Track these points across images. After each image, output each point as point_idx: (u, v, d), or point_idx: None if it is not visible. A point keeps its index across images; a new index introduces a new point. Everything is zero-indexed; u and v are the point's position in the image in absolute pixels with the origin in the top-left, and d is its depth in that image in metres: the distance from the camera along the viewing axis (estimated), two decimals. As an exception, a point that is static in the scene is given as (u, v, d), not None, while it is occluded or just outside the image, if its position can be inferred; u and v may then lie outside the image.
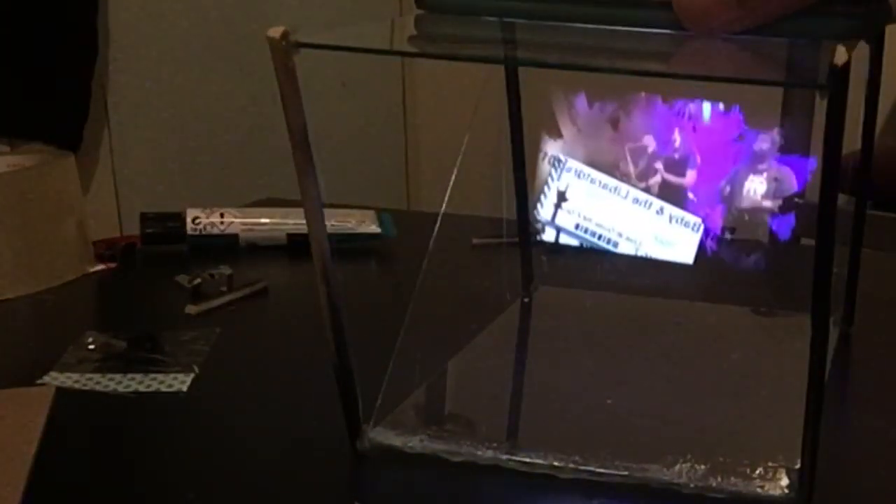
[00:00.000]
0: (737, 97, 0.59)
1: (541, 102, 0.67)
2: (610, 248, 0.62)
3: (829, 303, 0.44)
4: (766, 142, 0.58)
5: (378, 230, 0.88)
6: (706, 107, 0.59)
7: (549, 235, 0.63)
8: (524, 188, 0.70)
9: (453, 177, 0.62)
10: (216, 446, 0.55)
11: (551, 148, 0.62)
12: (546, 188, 0.63)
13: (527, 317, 0.72)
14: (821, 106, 0.40)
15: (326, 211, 0.50)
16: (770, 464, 0.50)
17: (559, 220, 0.62)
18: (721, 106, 0.59)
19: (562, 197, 0.62)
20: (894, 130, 1.61)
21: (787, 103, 0.62)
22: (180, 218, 0.87)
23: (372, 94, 1.84)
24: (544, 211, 0.63)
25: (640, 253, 0.61)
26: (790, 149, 0.59)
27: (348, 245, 0.85)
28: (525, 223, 0.71)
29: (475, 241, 0.86)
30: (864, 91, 0.59)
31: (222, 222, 0.87)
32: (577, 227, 0.62)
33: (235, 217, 0.88)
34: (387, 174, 1.91)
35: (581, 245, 0.62)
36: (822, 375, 0.45)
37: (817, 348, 0.45)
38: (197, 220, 0.87)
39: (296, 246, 0.87)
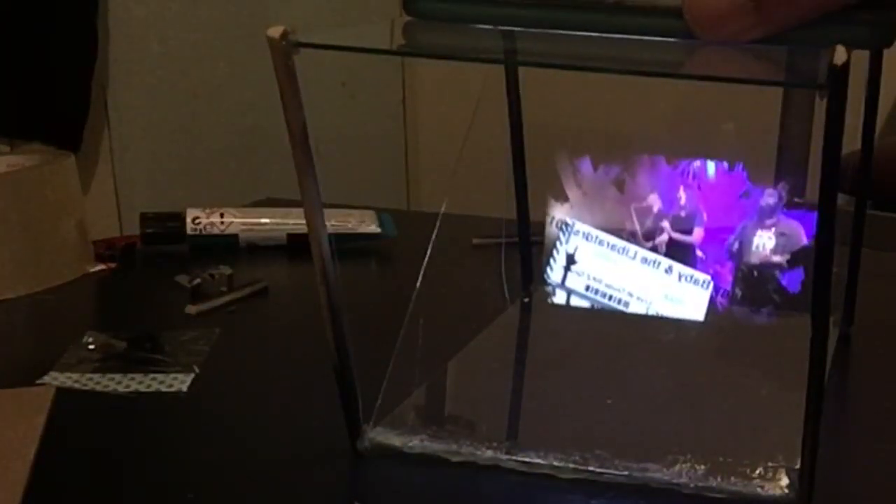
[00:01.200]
0: (736, 104, 0.59)
1: (540, 104, 0.67)
2: (621, 307, 0.62)
3: (829, 303, 0.44)
4: (771, 197, 0.59)
5: (378, 230, 0.88)
6: (710, 165, 0.60)
7: (559, 298, 0.64)
8: (524, 188, 0.70)
9: (453, 177, 0.62)
10: (216, 446, 0.55)
11: (558, 212, 0.63)
12: (555, 251, 0.63)
13: (527, 317, 0.72)
14: (820, 106, 0.40)
15: (326, 211, 0.50)
16: (770, 464, 0.50)
17: (569, 283, 0.63)
18: (725, 164, 0.59)
19: (571, 260, 0.63)
20: (894, 130, 1.61)
21: (786, 104, 0.63)
22: (180, 218, 0.87)
23: (372, 94, 1.84)
24: (554, 274, 0.63)
25: (651, 312, 0.62)
26: (786, 185, 0.59)
27: (348, 245, 0.85)
28: (525, 223, 0.71)
29: (475, 241, 0.86)
30: (864, 91, 0.59)
31: (222, 222, 0.87)
32: (587, 288, 0.63)
33: (235, 217, 0.88)
34: (387, 174, 1.91)
35: (592, 307, 0.63)
36: (822, 375, 0.45)
37: (817, 348, 0.45)
38: (197, 220, 0.87)
39: (296, 246, 0.87)
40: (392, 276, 0.86)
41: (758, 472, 0.49)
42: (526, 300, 0.72)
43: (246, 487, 0.51)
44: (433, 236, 0.62)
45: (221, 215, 0.88)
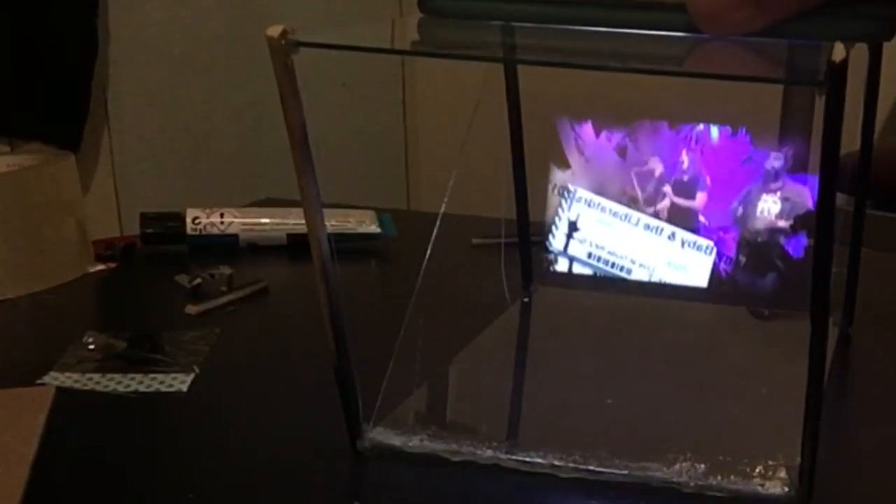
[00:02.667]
0: (736, 99, 0.59)
1: (542, 107, 0.67)
2: (623, 275, 0.62)
3: (829, 303, 0.44)
4: (775, 162, 0.59)
5: (378, 230, 0.88)
6: (713, 130, 0.59)
7: (561, 266, 0.63)
8: (524, 188, 0.70)
9: (453, 177, 0.62)
10: (216, 446, 0.55)
11: (560, 178, 0.63)
12: (557, 219, 0.63)
13: (527, 317, 0.72)
14: (820, 104, 0.40)
15: (326, 211, 0.50)
16: (770, 462, 0.50)
17: (571, 250, 0.63)
18: (728, 128, 0.59)
19: (573, 227, 0.63)
20: (894, 130, 1.61)
21: (786, 102, 0.62)
22: (180, 218, 0.87)
23: (372, 94, 1.84)
24: (556, 241, 0.63)
25: (654, 279, 0.61)
26: (790, 150, 0.59)
27: (348, 245, 0.86)
28: (525, 223, 0.71)
29: (475, 241, 0.86)
30: (863, 90, 0.59)
31: (222, 222, 0.87)
32: (589, 255, 0.62)
33: (235, 217, 0.88)
34: (387, 174, 1.90)
35: (595, 274, 0.63)
36: (821, 375, 0.45)
37: (817, 348, 0.45)
38: (197, 220, 0.87)
39: (296, 246, 0.87)
40: (392, 276, 0.86)
41: (758, 470, 0.49)
42: (526, 300, 0.72)
43: (246, 487, 0.51)
44: (433, 236, 0.62)
45: (221, 215, 0.88)
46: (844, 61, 0.39)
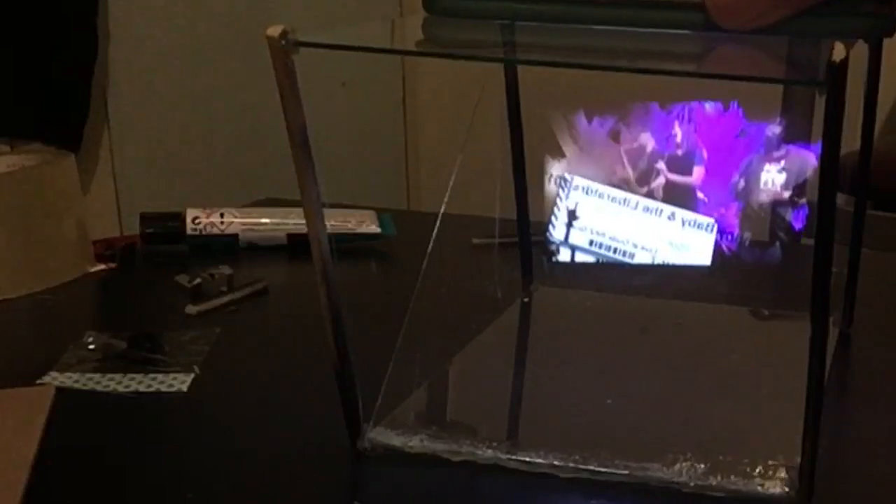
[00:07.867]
0: (736, 96, 0.59)
1: (540, 106, 0.67)
2: (626, 260, 0.62)
3: (829, 303, 0.44)
4: (768, 134, 0.58)
5: (378, 230, 0.88)
6: (707, 107, 0.59)
7: (564, 255, 0.63)
8: (524, 188, 0.70)
9: (453, 177, 0.62)
10: (216, 446, 0.55)
11: (556, 168, 0.63)
12: (556, 209, 0.63)
13: (527, 317, 0.72)
14: (820, 104, 0.40)
15: (326, 211, 0.50)
16: (770, 462, 0.50)
17: (572, 239, 0.63)
18: (720, 105, 0.59)
19: (572, 216, 0.63)
20: (894, 130, 1.61)
21: (786, 102, 0.62)
22: (180, 218, 0.87)
23: (372, 94, 1.84)
24: (556, 232, 0.63)
25: (657, 261, 0.61)
26: (788, 120, 0.59)
27: (348, 245, 0.85)
28: (525, 223, 0.71)
29: (475, 241, 0.86)
30: (863, 89, 0.59)
31: (222, 222, 0.87)
32: (591, 243, 0.62)
33: (235, 217, 0.88)
34: (387, 174, 1.91)
35: (598, 261, 0.62)
36: (821, 375, 0.45)
37: (817, 348, 0.45)
38: (197, 220, 0.87)
39: (296, 246, 0.87)
40: (392, 276, 0.86)
41: (758, 470, 0.49)
42: (526, 300, 0.72)
43: (246, 487, 0.51)
44: (433, 236, 0.62)
45: (221, 215, 0.88)
46: (844, 61, 0.39)
